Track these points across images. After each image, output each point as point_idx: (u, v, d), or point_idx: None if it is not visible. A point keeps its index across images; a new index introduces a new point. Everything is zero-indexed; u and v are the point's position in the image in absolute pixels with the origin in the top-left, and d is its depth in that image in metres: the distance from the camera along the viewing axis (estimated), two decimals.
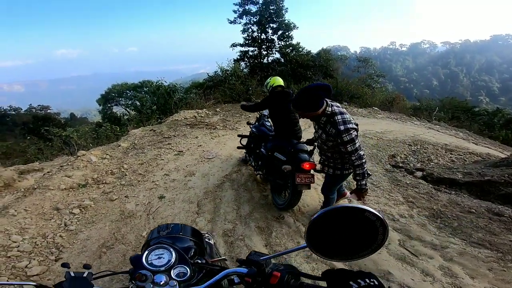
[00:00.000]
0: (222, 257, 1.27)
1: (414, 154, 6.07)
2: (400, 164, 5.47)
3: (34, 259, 2.66)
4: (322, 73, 15.70)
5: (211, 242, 1.41)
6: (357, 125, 2.61)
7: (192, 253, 1.09)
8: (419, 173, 4.90)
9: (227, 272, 0.86)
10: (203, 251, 1.20)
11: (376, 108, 11.38)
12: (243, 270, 0.83)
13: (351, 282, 0.62)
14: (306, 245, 0.78)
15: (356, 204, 0.71)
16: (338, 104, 2.69)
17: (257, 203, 3.67)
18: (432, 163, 5.60)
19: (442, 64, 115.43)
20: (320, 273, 0.74)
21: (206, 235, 1.44)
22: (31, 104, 39.50)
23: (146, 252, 0.97)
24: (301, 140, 3.63)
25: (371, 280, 0.62)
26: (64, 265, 1.01)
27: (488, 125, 14.09)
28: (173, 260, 0.94)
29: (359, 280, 0.62)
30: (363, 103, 12.12)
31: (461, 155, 6.08)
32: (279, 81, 3.80)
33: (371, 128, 7.71)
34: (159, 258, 0.95)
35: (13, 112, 37.24)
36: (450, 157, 6.01)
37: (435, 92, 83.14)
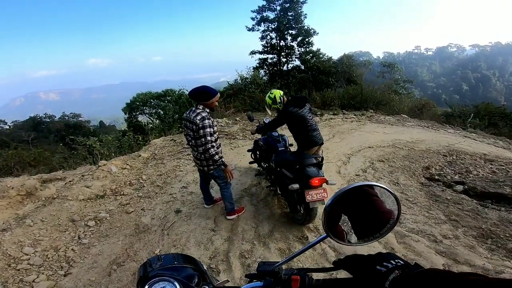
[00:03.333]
0: (225, 279, 1.19)
1: (450, 166, 5.57)
2: (436, 177, 5.01)
3: (43, 273, 2.60)
4: (345, 80, 15.24)
5: (204, 268, 1.29)
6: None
7: (197, 280, 1.01)
8: (459, 187, 4.44)
9: None
10: (205, 276, 1.10)
11: (404, 116, 10.75)
12: (258, 284, 0.78)
13: (378, 267, 0.59)
14: (326, 235, 0.74)
15: (364, 182, 0.70)
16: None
17: (277, 220, 3.39)
18: (471, 175, 5.09)
19: (472, 68, 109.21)
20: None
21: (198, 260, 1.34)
22: (64, 112, 41.74)
23: (146, 287, 0.88)
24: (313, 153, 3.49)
25: (396, 260, 0.60)
26: None
27: None
28: None
29: (385, 263, 0.59)
30: (390, 110, 11.52)
31: (503, 166, 5.53)
32: (281, 92, 3.69)
33: (401, 137, 7.21)
34: None
35: (48, 120, 39.47)
36: (491, 167, 5.47)
37: (465, 97, 78.85)
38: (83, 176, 4.83)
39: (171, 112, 12.65)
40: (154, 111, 17.19)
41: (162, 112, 15.01)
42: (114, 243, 3.10)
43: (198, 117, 2.83)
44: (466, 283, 0.44)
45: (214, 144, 2.94)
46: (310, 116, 3.55)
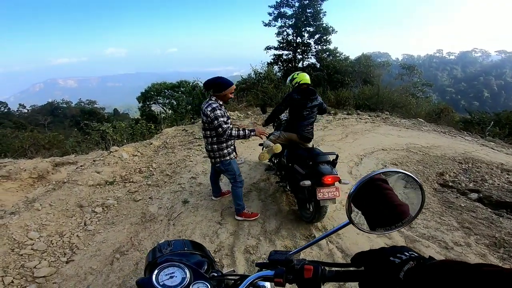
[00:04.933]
0: (231, 270, 1.20)
1: (465, 173, 5.39)
2: (450, 184, 4.86)
3: (45, 259, 2.58)
4: (362, 80, 14.91)
5: (212, 256, 1.31)
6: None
7: (206, 267, 1.02)
8: (474, 195, 4.31)
9: (254, 277, 0.75)
10: (213, 264, 1.11)
11: (421, 120, 10.44)
12: (269, 272, 0.75)
13: (391, 258, 0.59)
14: (349, 222, 0.73)
15: (389, 168, 0.70)
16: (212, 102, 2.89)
17: (285, 217, 3.33)
18: (486, 184, 4.92)
19: (496, 75, 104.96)
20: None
21: None
22: (80, 99, 42.79)
23: (156, 271, 0.88)
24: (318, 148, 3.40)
25: (410, 252, 0.60)
26: None
27: None
28: (188, 277, 0.87)
29: (398, 255, 0.59)
30: (406, 113, 11.21)
31: None
32: (307, 78, 3.54)
33: (416, 141, 7.00)
34: (171, 277, 0.87)
35: (65, 105, 40.53)
36: (507, 177, 5.27)
37: (486, 104, 76.20)
38: (94, 161, 4.89)
39: (184, 103, 12.69)
40: (167, 101, 17.32)
41: (175, 103, 15.11)
42: (120, 231, 3.10)
43: (209, 109, 2.81)
44: (482, 274, 0.44)
45: (231, 127, 2.90)
46: (311, 110, 3.50)
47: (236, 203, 3.29)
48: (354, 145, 6.39)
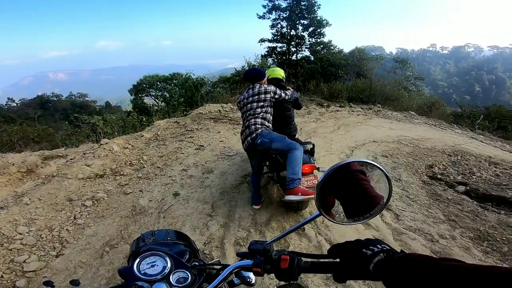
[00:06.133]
0: (216, 260, 1.21)
1: (454, 166, 5.49)
2: (439, 176, 4.94)
3: (34, 254, 2.55)
4: (355, 73, 14.96)
5: (196, 246, 1.33)
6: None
7: (188, 257, 1.04)
8: (461, 188, 4.39)
9: (233, 267, 0.80)
10: (196, 253, 1.14)
11: (412, 113, 10.56)
12: (248, 262, 0.77)
13: (364, 250, 0.61)
14: (319, 213, 0.75)
15: (356, 158, 0.72)
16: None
17: (275, 209, 3.36)
18: (474, 177, 5.02)
19: (488, 70, 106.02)
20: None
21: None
22: (71, 92, 42.10)
23: (137, 260, 0.90)
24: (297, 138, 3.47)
25: (383, 245, 0.62)
26: (47, 283, 0.91)
27: None
28: (168, 266, 0.89)
29: (371, 247, 0.61)
30: (398, 106, 11.32)
31: (507, 170, 5.42)
32: (275, 73, 3.65)
33: (407, 134, 7.09)
34: (152, 266, 0.90)
35: (55, 99, 39.81)
36: (495, 170, 5.38)
37: (477, 98, 77.11)
38: (84, 154, 4.83)
39: (176, 96, 12.59)
40: (160, 93, 17.17)
41: (168, 95, 14.98)
42: (109, 224, 3.08)
43: (267, 86, 3.16)
44: (443, 268, 0.47)
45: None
46: (282, 106, 3.53)
47: (294, 170, 2.76)
48: (346, 137, 6.44)
